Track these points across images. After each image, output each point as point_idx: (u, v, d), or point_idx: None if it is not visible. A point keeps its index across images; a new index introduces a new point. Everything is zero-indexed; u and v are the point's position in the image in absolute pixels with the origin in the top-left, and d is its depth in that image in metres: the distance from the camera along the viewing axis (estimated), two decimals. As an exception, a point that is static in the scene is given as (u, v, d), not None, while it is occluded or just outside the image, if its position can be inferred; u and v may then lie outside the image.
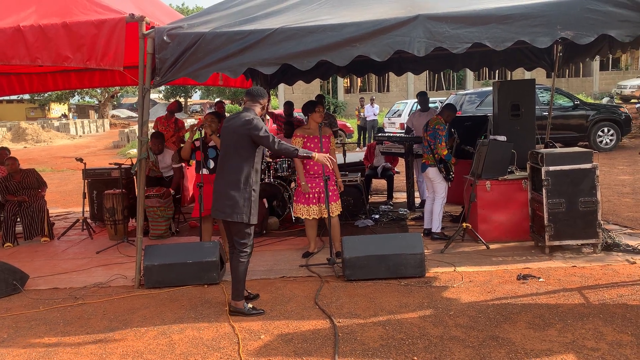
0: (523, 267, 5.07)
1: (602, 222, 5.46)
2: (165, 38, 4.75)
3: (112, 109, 47.64)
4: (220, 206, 4.19)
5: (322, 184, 5.47)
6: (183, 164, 7.49)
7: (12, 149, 23.96)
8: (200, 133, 5.49)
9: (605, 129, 13.49)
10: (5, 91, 8.81)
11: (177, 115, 8.79)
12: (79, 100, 47.00)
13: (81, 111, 48.72)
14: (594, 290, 4.39)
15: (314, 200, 5.61)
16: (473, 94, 14.48)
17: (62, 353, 3.75)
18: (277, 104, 33.38)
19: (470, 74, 30.80)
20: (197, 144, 5.55)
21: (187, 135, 6.23)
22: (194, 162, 5.80)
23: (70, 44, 4.74)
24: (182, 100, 51.04)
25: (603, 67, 31.60)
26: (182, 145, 7.34)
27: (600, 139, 13.49)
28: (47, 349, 3.82)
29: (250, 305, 4.26)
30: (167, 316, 4.33)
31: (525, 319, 3.89)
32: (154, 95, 54.73)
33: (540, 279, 4.70)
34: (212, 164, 5.54)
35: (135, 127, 29.96)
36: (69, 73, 8.66)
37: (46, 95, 36.64)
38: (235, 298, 4.23)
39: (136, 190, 5.16)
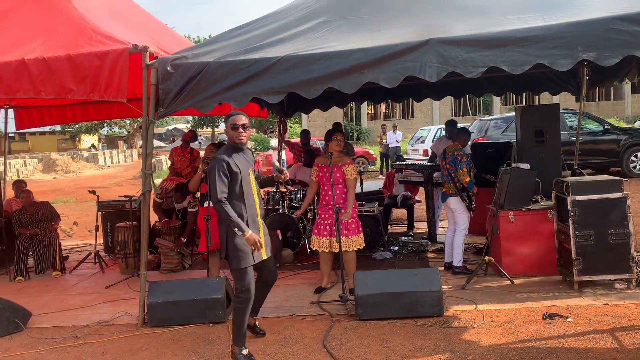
0: (550, 304, 4.71)
1: (636, 255, 5.07)
2: (169, 68, 4.65)
3: (141, 139, 48.52)
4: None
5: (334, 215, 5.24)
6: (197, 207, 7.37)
7: (42, 180, 24.39)
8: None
9: (639, 154, 12.96)
10: (25, 124, 8.91)
11: (193, 144, 8.72)
12: (108, 131, 48.01)
13: (110, 142, 49.74)
14: (628, 332, 4.01)
15: (325, 232, 5.37)
16: (499, 119, 14.15)
17: (53, 400, 3.55)
18: (299, 132, 33.43)
19: (496, 99, 30.42)
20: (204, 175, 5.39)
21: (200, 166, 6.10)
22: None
23: (73, 76, 4.67)
24: (209, 129, 51.72)
25: (635, 89, 30.80)
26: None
27: (634, 164, 12.96)
28: (38, 395, 3.63)
29: (245, 352, 3.89)
30: (167, 359, 4.10)
31: (551, 366, 3.54)
32: (181, 125, 55.66)
33: (569, 319, 4.33)
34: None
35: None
36: (86, 105, 8.71)
37: (76, 126, 37.51)
38: (234, 342, 3.92)
39: (142, 223, 4.97)
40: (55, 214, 7.31)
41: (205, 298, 4.77)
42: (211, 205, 5.28)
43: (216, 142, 5.71)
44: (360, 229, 5.47)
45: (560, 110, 14.03)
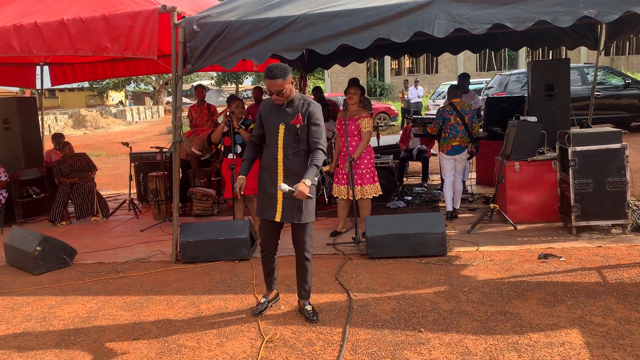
0: (547, 247, 5.10)
1: (632, 202, 5.38)
2: (195, 27, 5.02)
3: (167, 96, 49.09)
4: None
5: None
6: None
7: (73, 135, 25.18)
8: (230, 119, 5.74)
9: (659, 109, 12.93)
10: (60, 80, 9.44)
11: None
12: (134, 88, 48.70)
13: (137, 98, 50.42)
14: (613, 269, 4.39)
15: (343, 181, 5.80)
16: (520, 73, 14.19)
17: (102, 318, 4.13)
18: (324, 88, 33.54)
19: (522, 54, 29.95)
20: (227, 129, 5.80)
21: (220, 119, 6.51)
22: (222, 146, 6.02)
23: (108, 35, 5.08)
24: (233, 86, 52.02)
25: (667, 42, 29.95)
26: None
27: (654, 118, 12.95)
28: (89, 315, 4.21)
29: (262, 300, 4.08)
30: (198, 288, 4.65)
31: (538, 295, 3.96)
32: (206, 82, 55.99)
33: (561, 259, 4.72)
34: (239, 149, 5.79)
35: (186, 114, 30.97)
36: (117, 62, 9.16)
37: (104, 83, 38.15)
38: None
39: (174, 172, 5.46)
40: (92, 165, 7.87)
41: (231, 238, 5.29)
42: (233, 157, 5.77)
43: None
44: (376, 178, 5.87)
45: (582, 64, 13.99)
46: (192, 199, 7.37)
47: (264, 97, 9.24)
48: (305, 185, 3.47)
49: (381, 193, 5.96)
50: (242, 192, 3.84)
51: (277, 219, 3.78)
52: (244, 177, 3.88)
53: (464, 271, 4.60)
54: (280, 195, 3.74)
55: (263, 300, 4.09)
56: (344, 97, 5.96)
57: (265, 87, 4.49)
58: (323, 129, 3.76)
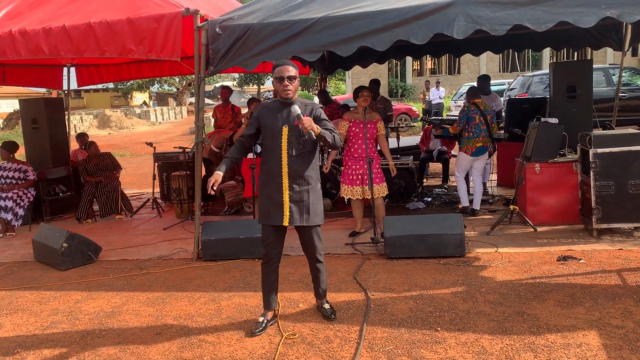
0: (566, 249, 5.07)
1: (655, 205, 5.32)
2: (217, 30, 5.12)
3: (190, 97, 49.60)
4: None
5: (365, 165, 5.70)
6: None
7: (98, 135, 25.62)
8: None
9: (686, 111, 12.69)
10: (86, 81, 9.66)
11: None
12: (158, 89, 49.31)
13: (161, 99, 51.03)
14: (634, 272, 4.35)
15: (357, 182, 5.84)
16: (543, 74, 14.07)
17: (125, 313, 4.24)
18: (345, 89, 33.64)
19: (546, 54, 29.58)
20: None
21: (243, 120, 6.62)
22: None
23: (133, 37, 5.20)
24: (255, 87, 52.34)
25: (697, 43, 29.24)
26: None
27: (681, 120, 12.70)
28: (113, 310, 4.33)
29: (260, 320, 3.81)
30: (219, 285, 4.74)
31: (556, 297, 3.95)
32: (228, 83, 56.43)
33: (581, 261, 4.70)
34: (258, 149, 5.88)
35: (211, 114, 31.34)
36: (141, 63, 9.34)
37: (128, 84, 38.73)
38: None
39: (196, 171, 5.57)
40: (117, 164, 8.05)
41: (251, 236, 5.37)
42: (253, 156, 5.86)
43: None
44: (384, 178, 5.92)
45: (607, 65, 13.81)
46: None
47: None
48: (312, 121, 3.45)
49: (387, 192, 5.98)
50: (214, 189, 3.63)
51: (285, 223, 3.64)
52: (220, 173, 3.64)
53: (482, 272, 4.60)
54: (286, 199, 3.62)
55: (262, 319, 3.81)
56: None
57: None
58: (331, 123, 3.71)
